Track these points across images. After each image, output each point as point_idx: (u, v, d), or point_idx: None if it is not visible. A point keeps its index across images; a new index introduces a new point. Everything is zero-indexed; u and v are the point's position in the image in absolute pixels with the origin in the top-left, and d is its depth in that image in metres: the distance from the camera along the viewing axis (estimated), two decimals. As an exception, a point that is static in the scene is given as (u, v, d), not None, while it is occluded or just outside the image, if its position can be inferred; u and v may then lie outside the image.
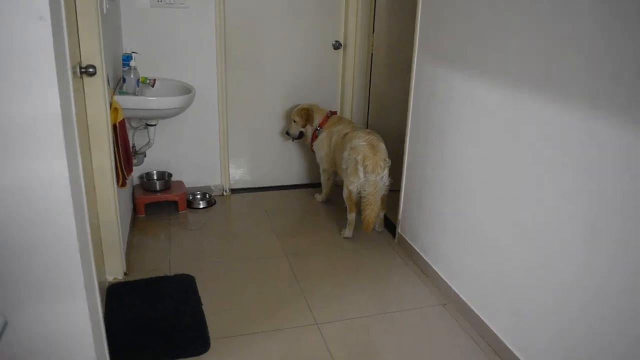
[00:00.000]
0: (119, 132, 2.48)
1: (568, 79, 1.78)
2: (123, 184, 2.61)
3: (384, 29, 3.70)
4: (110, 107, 2.37)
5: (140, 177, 3.61)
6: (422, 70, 2.81)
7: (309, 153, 3.82)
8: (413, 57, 2.86)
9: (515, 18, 2.03)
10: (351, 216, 3.22)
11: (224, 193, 3.89)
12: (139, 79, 2.80)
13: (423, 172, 2.86)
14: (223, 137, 3.72)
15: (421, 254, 2.91)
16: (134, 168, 3.27)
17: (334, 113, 3.63)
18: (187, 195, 3.70)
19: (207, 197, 3.75)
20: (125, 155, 2.58)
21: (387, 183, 3.10)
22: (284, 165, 4.05)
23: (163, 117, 3.11)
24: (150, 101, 2.79)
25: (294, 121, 3.68)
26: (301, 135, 3.73)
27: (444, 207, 2.66)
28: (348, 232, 3.25)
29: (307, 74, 3.85)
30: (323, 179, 3.71)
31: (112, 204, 2.46)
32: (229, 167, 3.85)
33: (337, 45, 3.83)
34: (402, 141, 3.09)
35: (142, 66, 3.27)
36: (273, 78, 3.79)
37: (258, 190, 4.01)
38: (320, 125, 3.57)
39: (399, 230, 3.20)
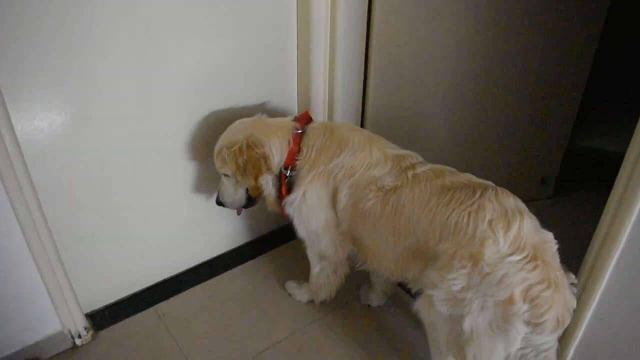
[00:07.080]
0: None
1: None
2: None
3: None
4: None
5: None
6: None
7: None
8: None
9: None
10: None
11: (76, 341, 1.64)
12: None
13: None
14: (28, 219, 1.40)
15: None
16: None
17: (304, 119, 1.50)
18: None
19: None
20: None
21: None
22: (200, 225, 1.86)
23: None
24: None
25: (224, 175, 1.51)
26: (250, 201, 1.57)
27: None
28: None
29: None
30: (319, 272, 1.63)
31: None
32: (67, 279, 1.55)
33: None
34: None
35: None
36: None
37: (153, 299, 1.81)
38: (289, 162, 1.44)
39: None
